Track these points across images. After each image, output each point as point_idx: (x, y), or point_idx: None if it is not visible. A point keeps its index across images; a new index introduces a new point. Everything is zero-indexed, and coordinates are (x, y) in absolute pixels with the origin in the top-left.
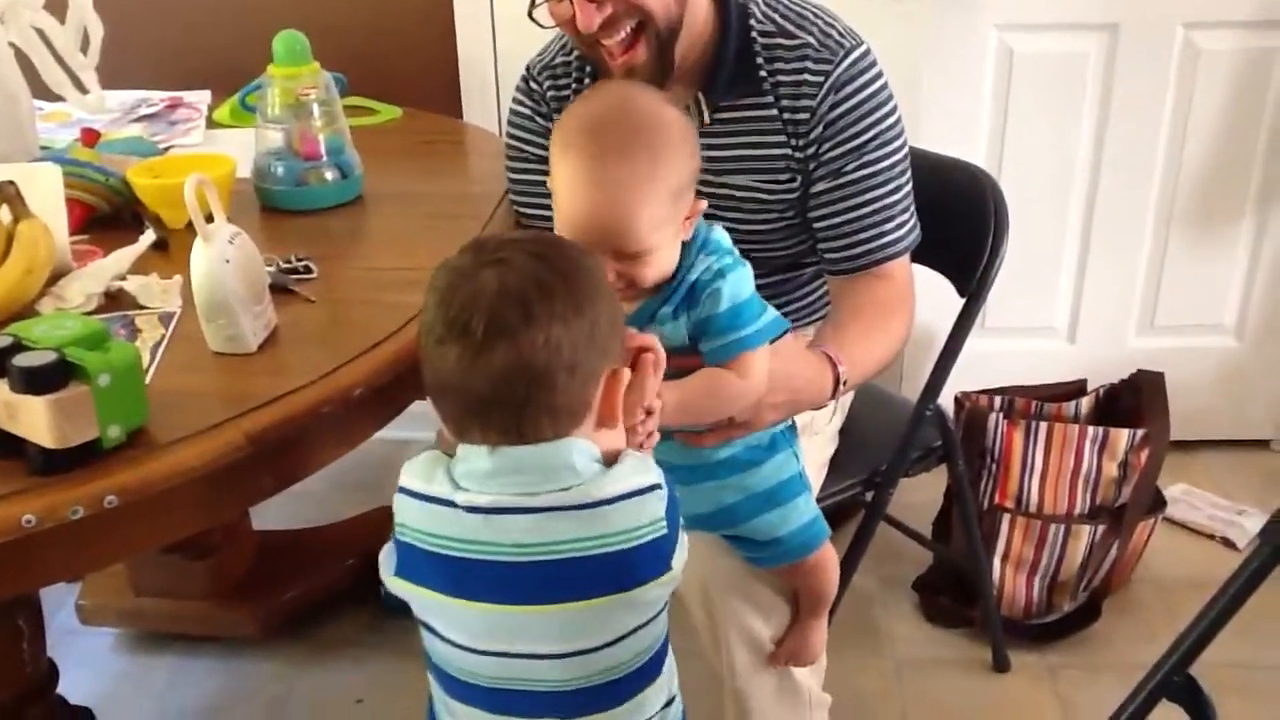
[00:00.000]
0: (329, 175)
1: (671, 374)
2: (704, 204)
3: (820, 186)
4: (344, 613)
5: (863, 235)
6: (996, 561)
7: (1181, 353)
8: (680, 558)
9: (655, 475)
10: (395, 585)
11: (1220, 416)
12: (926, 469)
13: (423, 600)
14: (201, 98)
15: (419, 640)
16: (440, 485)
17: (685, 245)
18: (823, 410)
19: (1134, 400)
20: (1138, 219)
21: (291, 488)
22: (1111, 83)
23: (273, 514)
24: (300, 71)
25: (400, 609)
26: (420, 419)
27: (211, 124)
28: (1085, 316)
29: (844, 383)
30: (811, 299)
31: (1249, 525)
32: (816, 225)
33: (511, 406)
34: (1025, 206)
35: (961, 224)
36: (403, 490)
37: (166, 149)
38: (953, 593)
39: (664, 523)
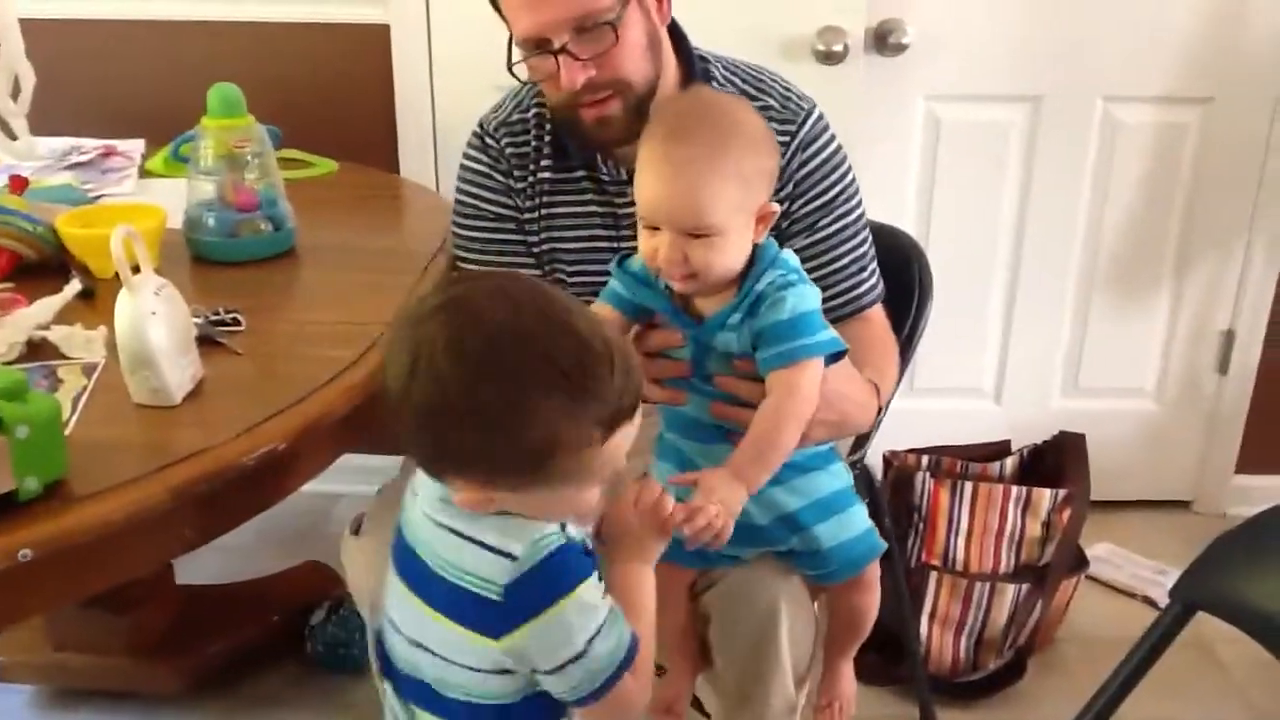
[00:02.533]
0: (262, 227)
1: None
2: (778, 207)
3: (798, 243)
4: (269, 668)
5: (844, 285)
6: (924, 619)
7: (1103, 415)
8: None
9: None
10: None
11: (1141, 477)
12: None
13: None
14: (135, 146)
15: (344, 695)
16: None
17: (756, 255)
18: None
19: (1057, 460)
20: (1060, 284)
21: (217, 541)
22: (1034, 152)
23: (197, 567)
24: (235, 124)
25: (327, 663)
26: (348, 473)
27: (144, 173)
28: (1011, 378)
29: (882, 411)
30: None
31: (1170, 585)
32: None
33: None
34: (953, 270)
35: (887, 287)
36: None
37: (97, 197)
38: (880, 650)
39: (497, 589)
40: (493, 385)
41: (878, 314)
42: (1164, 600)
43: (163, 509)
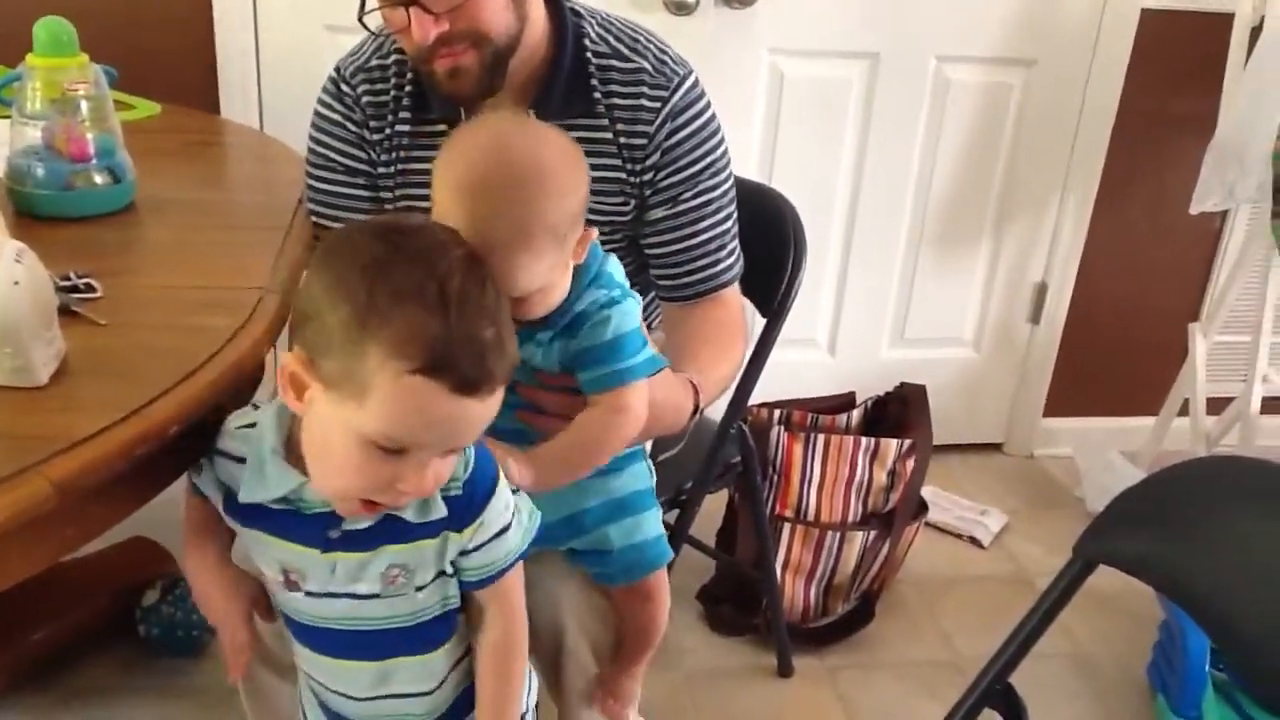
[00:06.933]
0: (99, 179)
1: (530, 404)
2: (595, 232)
3: (658, 214)
4: (96, 655)
5: (700, 263)
6: (778, 569)
7: (926, 363)
8: None
9: None
10: None
11: (958, 422)
12: (726, 485)
13: None
14: None
15: (183, 679)
16: None
17: (576, 273)
18: None
19: (900, 411)
20: (892, 238)
21: None
22: (871, 108)
23: None
24: (66, 63)
25: (163, 647)
26: None
27: None
28: (844, 329)
29: (701, 410)
30: None
31: (991, 524)
32: (652, 252)
33: None
34: None
35: (762, 247)
36: None
37: None
38: (735, 601)
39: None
40: (384, 251)
41: (732, 294)
42: (987, 540)
43: (48, 507)
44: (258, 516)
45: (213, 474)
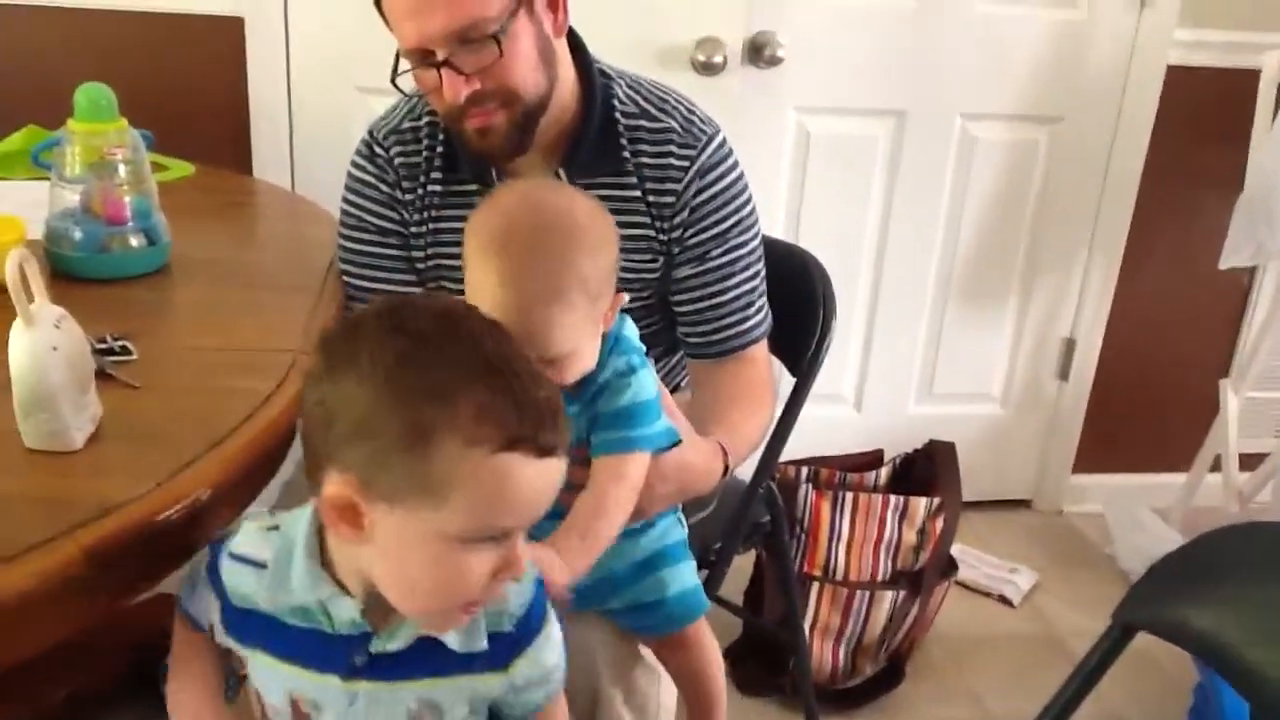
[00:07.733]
0: (134, 241)
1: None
2: (625, 297)
3: (685, 271)
4: (119, 711)
5: (728, 320)
6: (806, 629)
7: (952, 419)
8: None
9: None
10: None
11: (986, 478)
12: (755, 546)
13: None
14: None
15: None
16: None
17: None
18: None
19: (928, 468)
20: (919, 294)
21: None
22: (898, 165)
23: None
24: (106, 128)
25: None
26: None
27: None
28: (871, 385)
29: (730, 470)
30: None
31: (1021, 583)
32: (680, 310)
33: None
34: None
35: (791, 308)
36: None
37: None
38: (762, 661)
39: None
40: (406, 340)
41: (760, 352)
42: (1017, 598)
43: (78, 573)
44: (265, 634)
45: (207, 589)
